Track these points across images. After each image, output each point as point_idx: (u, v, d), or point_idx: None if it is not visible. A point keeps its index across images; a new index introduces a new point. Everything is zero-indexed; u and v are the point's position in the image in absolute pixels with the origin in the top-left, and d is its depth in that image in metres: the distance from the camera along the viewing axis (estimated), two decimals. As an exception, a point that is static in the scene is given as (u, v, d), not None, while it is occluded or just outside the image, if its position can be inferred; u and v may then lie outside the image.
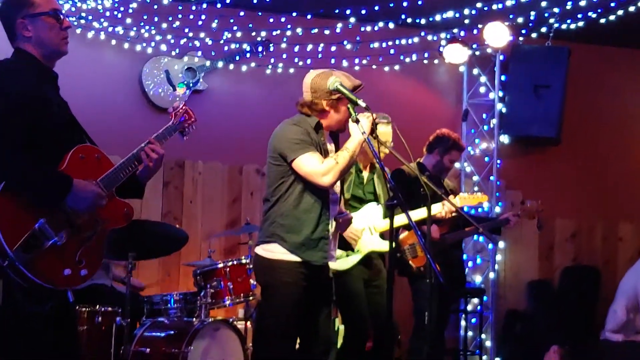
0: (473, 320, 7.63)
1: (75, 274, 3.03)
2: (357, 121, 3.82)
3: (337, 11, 7.18)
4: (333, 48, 7.39)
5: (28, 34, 3.16)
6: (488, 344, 7.63)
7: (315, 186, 3.91)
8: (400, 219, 4.84)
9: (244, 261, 5.56)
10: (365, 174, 5.23)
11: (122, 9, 6.80)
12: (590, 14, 7.13)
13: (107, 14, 6.79)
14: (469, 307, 7.53)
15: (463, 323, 7.53)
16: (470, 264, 7.71)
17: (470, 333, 7.62)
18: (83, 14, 6.67)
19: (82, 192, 3.03)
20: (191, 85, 7.11)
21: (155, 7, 6.86)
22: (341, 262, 4.99)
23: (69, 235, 3.01)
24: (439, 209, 5.34)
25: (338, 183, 4.06)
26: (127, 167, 3.28)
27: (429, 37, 7.58)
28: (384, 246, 5.17)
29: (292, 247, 3.90)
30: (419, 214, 5.06)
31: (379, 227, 5.17)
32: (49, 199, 2.99)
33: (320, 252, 3.95)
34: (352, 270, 5.04)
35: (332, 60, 7.35)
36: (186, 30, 7.04)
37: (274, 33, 7.24)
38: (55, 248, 2.96)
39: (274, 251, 3.93)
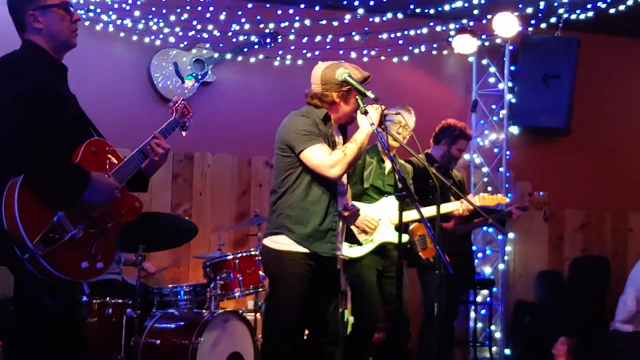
0: (482, 311, 7.63)
1: (91, 266, 3.05)
2: (365, 112, 3.81)
3: (345, 2, 7.16)
4: (341, 39, 7.37)
5: (39, 25, 3.17)
6: (498, 335, 7.62)
7: (323, 178, 3.91)
8: (414, 214, 4.87)
9: (253, 253, 5.56)
10: (388, 165, 5.21)
11: (130, 1, 6.79)
12: (599, 4, 7.10)
13: (116, 6, 6.79)
14: (479, 299, 7.52)
15: (472, 314, 7.53)
16: (479, 255, 7.70)
17: (479, 324, 7.62)
18: (91, 7, 6.67)
19: (99, 185, 3.06)
20: (199, 77, 7.11)
21: (164, -1, 6.87)
22: (353, 249, 5.00)
23: (85, 229, 3.03)
24: (457, 207, 5.33)
25: (345, 175, 4.06)
26: (134, 160, 3.31)
27: (438, 28, 7.55)
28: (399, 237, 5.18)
29: (300, 238, 3.90)
30: (432, 210, 5.04)
31: (396, 219, 5.18)
32: (67, 192, 3.01)
33: (329, 244, 3.95)
34: (364, 259, 5.06)
35: (341, 52, 7.34)
36: (194, 22, 7.04)
37: (282, 25, 7.23)
38: (73, 241, 2.97)
39: (281, 242, 3.94)
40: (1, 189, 2.91)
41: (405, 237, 5.27)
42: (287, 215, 3.94)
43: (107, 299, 5.19)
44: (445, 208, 5.30)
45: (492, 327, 7.53)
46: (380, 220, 5.09)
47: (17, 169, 2.93)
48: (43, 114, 3.03)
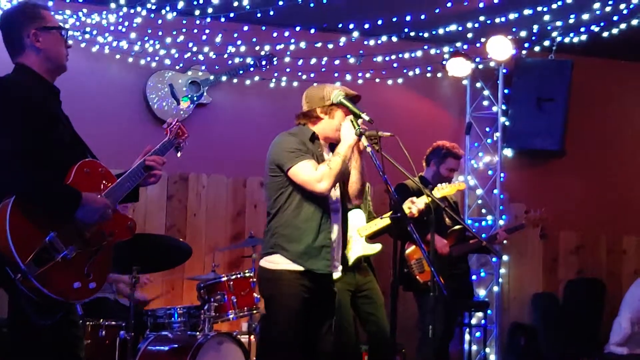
0: (477, 334, 7.61)
1: (84, 287, 3.04)
2: (360, 135, 3.84)
3: (340, 25, 7.20)
4: (337, 62, 7.42)
5: (39, 45, 3.20)
6: (492, 357, 7.60)
7: (314, 194, 3.93)
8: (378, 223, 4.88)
9: (247, 274, 5.56)
10: None
11: (126, 23, 6.82)
12: (593, 27, 7.15)
13: (112, 28, 6.81)
14: (473, 321, 7.50)
15: (467, 337, 7.51)
16: (474, 277, 7.69)
17: (474, 347, 7.60)
18: (87, 29, 6.70)
19: (90, 204, 3.06)
20: (195, 99, 7.13)
21: (160, 21, 6.89)
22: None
23: (78, 249, 3.03)
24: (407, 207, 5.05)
25: (337, 191, 4.07)
26: (133, 177, 3.34)
27: (432, 51, 7.59)
28: (372, 248, 5.16)
29: (295, 256, 3.91)
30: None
31: (364, 230, 5.17)
32: (59, 213, 3.01)
33: (324, 261, 3.95)
34: (336, 283, 4.95)
35: (336, 74, 7.38)
36: (190, 44, 7.07)
37: (278, 47, 7.26)
38: (66, 261, 2.97)
39: (277, 262, 3.95)
40: None
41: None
42: (280, 234, 3.96)
43: (101, 320, 5.17)
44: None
45: (487, 350, 7.51)
46: (352, 236, 5.07)
47: (8, 190, 2.93)
48: (36, 135, 3.04)
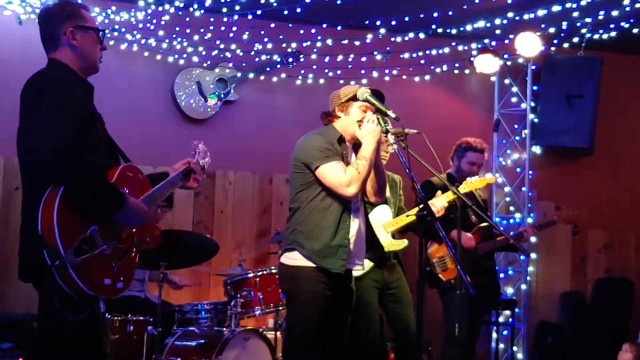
0: (505, 332, 7.57)
1: (113, 284, 3.07)
2: (386, 132, 3.85)
3: (367, 22, 7.19)
4: (363, 59, 7.41)
5: (76, 43, 3.24)
6: (520, 356, 7.56)
7: (336, 194, 3.94)
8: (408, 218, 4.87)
9: (273, 271, 5.57)
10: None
11: (154, 21, 6.87)
12: (622, 23, 7.07)
13: (140, 26, 6.87)
14: (501, 319, 7.46)
15: (494, 335, 7.47)
16: (501, 275, 7.65)
17: (502, 345, 7.56)
18: (116, 26, 6.76)
19: (132, 208, 3.11)
20: (222, 96, 7.16)
21: (187, 19, 6.93)
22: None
23: (113, 247, 3.07)
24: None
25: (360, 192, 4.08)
26: (171, 185, 3.46)
27: (460, 47, 7.55)
28: (398, 244, 5.15)
29: (310, 253, 3.93)
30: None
31: (389, 226, 5.17)
32: (102, 210, 3.05)
33: (339, 260, 3.96)
34: (363, 280, 4.92)
35: (362, 71, 7.37)
36: (217, 42, 7.10)
37: (305, 44, 7.27)
38: (101, 257, 3.00)
39: (295, 258, 3.97)
40: (40, 195, 2.94)
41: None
42: (299, 231, 3.98)
43: (129, 316, 5.22)
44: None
45: (515, 348, 7.46)
46: (379, 232, 5.07)
47: (59, 180, 2.96)
48: (83, 130, 3.08)
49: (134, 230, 3.21)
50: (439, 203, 4.93)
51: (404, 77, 7.53)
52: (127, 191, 3.16)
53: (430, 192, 5.14)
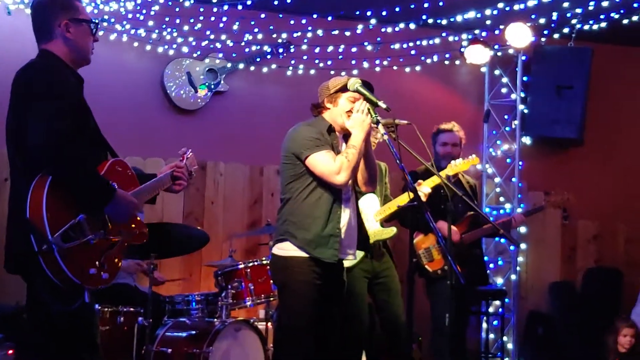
0: (495, 322, 7.59)
1: (98, 274, 3.07)
2: (377, 122, 3.86)
3: (357, 12, 7.17)
4: (354, 49, 7.40)
5: (70, 35, 3.24)
6: (510, 346, 7.59)
7: (327, 184, 3.95)
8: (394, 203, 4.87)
9: (264, 262, 5.57)
10: None
11: (144, 11, 6.84)
12: (612, 14, 7.08)
13: (130, 16, 6.84)
14: (491, 310, 7.48)
15: (484, 325, 7.49)
16: (491, 265, 7.67)
17: (491, 335, 7.58)
18: (105, 16, 6.73)
19: (121, 202, 3.12)
20: (212, 86, 7.14)
21: (177, 9, 6.91)
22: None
23: (100, 238, 3.06)
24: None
25: (349, 180, 4.08)
26: (161, 184, 3.47)
27: (450, 38, 7.55)
28: (387, 232, 5.16)
29: (302, 243, 3.95)
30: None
31: (378, 215, 5.17)
32: (91, 201, 3.05)
33: (331, 250, 3.98)
34: (354, 269, 4.96)
35: (353, 62, 7.36)
36: (207, 32, 7.08)
37: (295, 35, 7.25)
38: (87, 246, 3.01)
39: (286, 249, 3.99)
40: (29, 180, 2.95)
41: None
42: (290, 221, 4.00)
43: (119, 307, 5.21)
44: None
45: (505, 339, 7.49)
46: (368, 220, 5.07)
47: (52, 168, 2.96)
48: (76, 121, 3.09)
49: (124, 224, 3.21)
50: (423, 190, 4.95)
51: (395, 67, 7.52)
52: (116, 185, 3.15)
53: (413, 182, 5.14)
